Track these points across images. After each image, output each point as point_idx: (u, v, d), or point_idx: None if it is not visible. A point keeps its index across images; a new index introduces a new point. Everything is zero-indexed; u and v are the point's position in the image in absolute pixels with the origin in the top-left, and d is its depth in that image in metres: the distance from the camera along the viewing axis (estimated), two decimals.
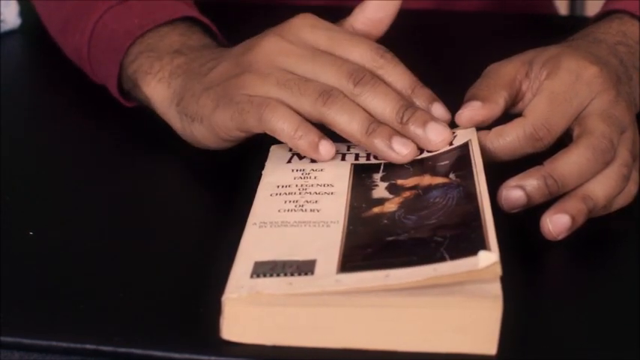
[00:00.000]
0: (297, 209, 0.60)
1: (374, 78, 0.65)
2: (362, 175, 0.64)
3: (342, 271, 0.53)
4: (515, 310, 0.51)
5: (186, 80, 0.71)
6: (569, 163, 0.62)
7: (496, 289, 0.51)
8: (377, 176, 0.63)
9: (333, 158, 0.65)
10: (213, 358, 0.52)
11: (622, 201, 0.64)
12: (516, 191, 0.62)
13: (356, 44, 0.67)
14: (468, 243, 0.53)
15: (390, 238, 0.56)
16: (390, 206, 0.59)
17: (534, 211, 0.64)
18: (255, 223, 0.59)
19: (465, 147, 0.64)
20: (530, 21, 1.02)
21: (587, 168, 0.62)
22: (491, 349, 0.51)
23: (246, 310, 0.51)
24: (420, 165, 0.64)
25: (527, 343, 0.53)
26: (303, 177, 0.63)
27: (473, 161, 0.62)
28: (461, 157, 0.63)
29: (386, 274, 0.52)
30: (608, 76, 0.66)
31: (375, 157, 0.65)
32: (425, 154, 0.65)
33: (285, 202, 0.61)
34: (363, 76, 0.65)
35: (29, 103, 0.83)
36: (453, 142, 0.65)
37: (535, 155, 0.64)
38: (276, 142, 0.69)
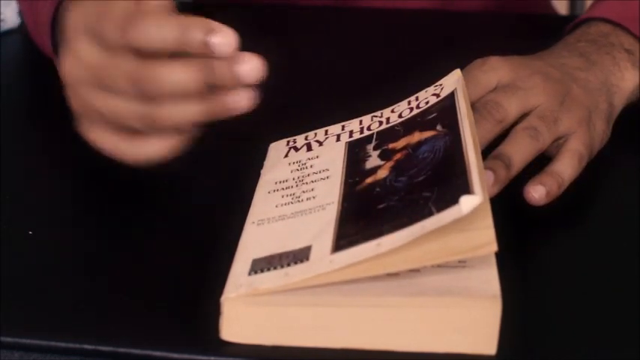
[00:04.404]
0: (294, 201, 0.60)
1: None
2: (356, 150, 0.63)
3: (336, 250, 0.52)
4: (515, 310, 0.51)
5: None
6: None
7: (495, 288, 0.51)
8: (370, 147, 0.63)
9: (326, 140, 0.66)
10: (212, 358, 0.52)
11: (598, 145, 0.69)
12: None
13: None
14: (454, 191, 0.52)
15: (382, 206, 0.55)
16: (382, 173, 0.59)
17: (534, 210, 0.64)
18: (253, 222, 0.59)
19: (450, 97, 0.64)
20: (530, 21, 1.02)
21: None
22: (491, 348, 0.51)
23: (245, 311, 0.51)
24: (409, 124, 0.64)
25: (527, 343, 0.53)
26: (299, 169, 0.63)
27: (458, 109, 0.62)
28: (447, 107, 0.63)
29: (377, 243, 0.51)
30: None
31: (369, 129, 0.65)
32: (414, 112, 0.65)
33: (283, 196, 0.61)
34: None
35: (29, 103, 0.83)
36: (440, 95, 0.65)
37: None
38: (275, 140, 0.69)
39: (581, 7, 1.40)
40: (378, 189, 0.57)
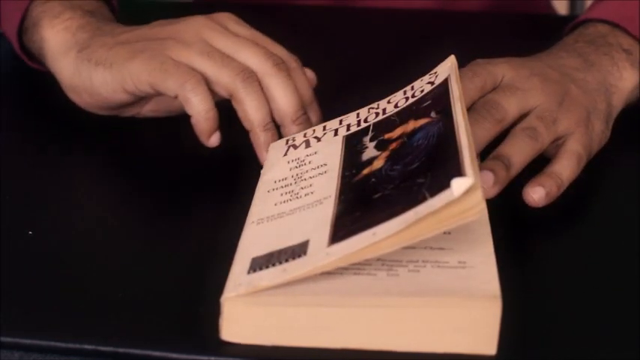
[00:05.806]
0: (292, 198, 0.60)
1: (294, 69, 0.73)
2: (353, 143, 0.64)
3: (333, 243, 0.52)
4: (515, 310, 0.51)
5: (94, 36, 0.75)
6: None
7: (495, 288, 0.51)
8: (366, 138, 0.63)
9: (324, 135, 0.66)
10: (212, 358, 0.52)
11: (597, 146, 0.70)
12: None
13: (274, 45, 0.74)
14: (446, 175, 0.52)
15: (377, 195, 0.55)
16: (378, 163, 0.59)
17: (534, 210, 0.64)
18: (253, 222, 0.59)
19: (444, 83, 0.64)
20: (530, 21, 1.02)
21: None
22: (491, 349, 0.51)
23: (245, 311, 0.51)
24: (404, 113, 0.64)
25: (527, 343, 0.53)
26: (298, 166, 0.64)
27: (451, 94, 0.62)
28: (440, 93, 0.63)
29: (373, 232, 0.51)
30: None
31: (365, 121, 0.66)
32: (409, 101, 0.65)
33: (282, 194, 0.61)
34: (282, 62, 0.71)
35: (29, 103, 0.83)
36: (435, 82, 0.65)
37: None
38: (275, 139, 0.69)
39: (581, 7, 1.40)
40: (373, 179, 0.58)
